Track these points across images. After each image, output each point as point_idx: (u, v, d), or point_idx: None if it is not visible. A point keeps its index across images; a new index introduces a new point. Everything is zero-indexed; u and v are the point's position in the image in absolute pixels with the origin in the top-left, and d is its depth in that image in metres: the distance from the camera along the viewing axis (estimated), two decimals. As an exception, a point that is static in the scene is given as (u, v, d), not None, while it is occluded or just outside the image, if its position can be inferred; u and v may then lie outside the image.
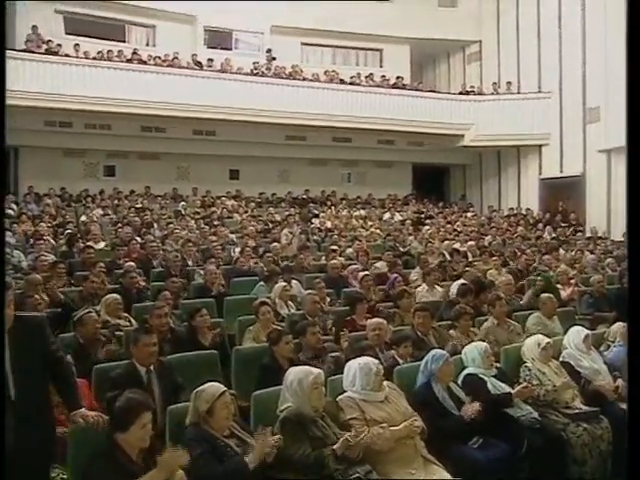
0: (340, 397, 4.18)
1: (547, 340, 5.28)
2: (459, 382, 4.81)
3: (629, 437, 2.94)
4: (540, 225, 16.62)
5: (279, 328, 5.51)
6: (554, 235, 15.39)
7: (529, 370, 5.11)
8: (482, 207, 20.59)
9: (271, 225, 13.89)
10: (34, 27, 15.95)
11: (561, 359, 5.42)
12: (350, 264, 9.43)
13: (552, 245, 13.16)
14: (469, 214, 18.56)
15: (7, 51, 14.55)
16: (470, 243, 12.44)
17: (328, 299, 7.55)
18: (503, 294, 7.12)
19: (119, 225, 12.43)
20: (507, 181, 20.30)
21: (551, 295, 6.98)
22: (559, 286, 8.70)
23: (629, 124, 3.32)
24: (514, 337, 6.19)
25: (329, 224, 14.94)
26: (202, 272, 8.44)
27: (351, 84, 18.86)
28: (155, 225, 12.74)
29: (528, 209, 18.53)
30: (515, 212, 18.65)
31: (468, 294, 7.15)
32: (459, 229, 15.13)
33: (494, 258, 10.29)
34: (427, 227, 14.95)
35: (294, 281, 8.07)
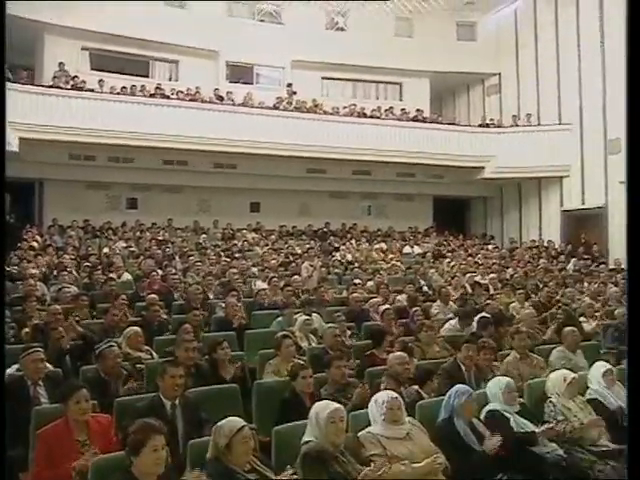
0: (361, 433, 4.15)
1: (572, 375, 5.20)
2: (482, 418, 4.74)
3: (629, 436, 2.88)
4: (562, 257, 16.47)
5: (301, 362, 5.49)
6: (577, 267, 15.24)
7: (554, 406, 5.03)
8: (503, 239, 20.47)
9: (292, 258, 13.89)
10: (61, 64, 16.29)
11: (587, 395, 5.33)
12: (371, 297, 9.40)
13: (575, 277, 13.02)
14: (490, 246, 18.45)
15: (35, 87, 15.00)
16: (492, 276, 12.33)
17: (349, 332, 7.52)
18: (526, 327, 7.04)
19: (141, 257, 12.53)
20: (528, 213, 20.20)
21: (574, 328, 6.89)
22: (583, 319, 8.59)
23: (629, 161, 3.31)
24: (537, 372, 6.10)
25: (350, 257, 14.94)
26: (223, 305, 8.44)
27: (371, 117, 18.98)
28: (176, 257, 12.82)
29: (550, 241, 18.38)
30: (537, 244, 18.49)
31: (488, 327, 7.08)
32: (480, 262, 15.02)
33: (520, 291, 10.18)
34: (448, 260, 14.88)
35: (315, 314, 8.04)
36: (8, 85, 14.09)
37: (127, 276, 10.90)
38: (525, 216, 20.31)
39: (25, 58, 16.65)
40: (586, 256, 16.47)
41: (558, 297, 10.52)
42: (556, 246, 18.03)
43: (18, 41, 15.53)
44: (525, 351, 6.35)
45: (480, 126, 20.03)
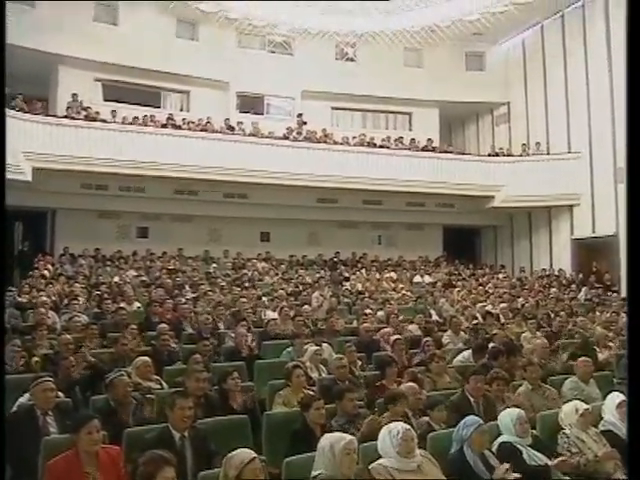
0: (372, 465, 4.10)
1: (585, 406, 5.14)
2: (494, 450, 4.68)
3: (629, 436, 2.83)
4: (573, 286, 16.37)
5: (311, 393, 5.45)
6: (588, 296, 15.13)
7: (567, 437, 4.96)
8: (514, 268, 20.39)
9: (302, 287, 13.88)
10: (74, 95, 16.50)
11: (601, 427, 5.25)
12: (381, 327, 9.35)
13: (587, 306, 12.92)
14: (501, 275, 18.39)
15: (49, 117, 15.18)
16: (502, 305, 12.25)
17: (359, 363, 7.47)
18: (537, 358, 6.99)
19: (152, 287, 12.55)
20: (539, 242, 20.14)
21: (587, 358, 6.82)
22: (595, 349, 8.51)
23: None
24: (550, 403, 6.04)
25: (360, 286, 14.92)
26: (233, 335, 8.41)
27: (381, 147, 19.10)
28: (187, 287, 12.83)
29: (561, 270, 18.30)
30: (547, 273, 18.42)
31: (499, 357, 7.02)
32: (491, 291, 14.96)
33: (531, 321, 10.10)
34: (458, 289, 14.82)
35: (325, 344, 8.00)
36: (22, 115, 14.33)
37: (137, 305, 10.92)
38: (535, 245, 20.25)
39: (39, 89, 16.93)
40: (598, 285, 16.37)
41: (570, 327, 10.45)
42: (567, 275, 17.97)
43: (33, 73, 15.88)
44: (537, 382, 6.29)
45: (490, 155, 20.15)
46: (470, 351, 7.89)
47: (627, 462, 2.87)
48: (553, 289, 15.72)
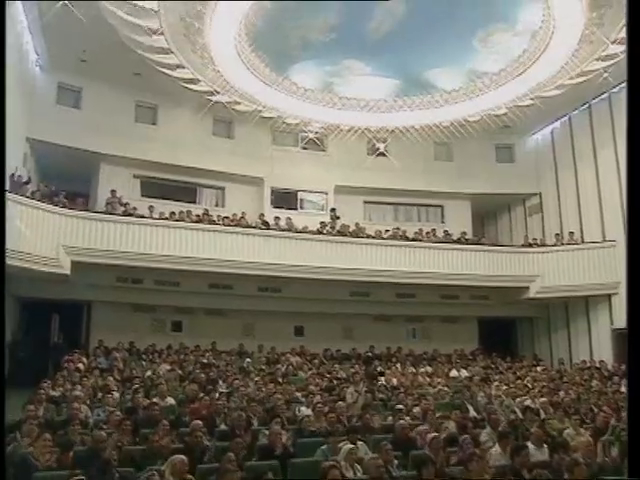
0: None
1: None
2: None
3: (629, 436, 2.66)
4: (616, 378, 15.81)
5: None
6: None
7: None
8: (552, 360, 19.88)
9: (336, 382, 13.68)
10: (113, 191, 17.06)
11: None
12: (417, 424, 9.12)
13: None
14: (539, 368, 17.90)
15: (89, 213, 15.62)
16: (542, 399, 11.88)
17: (396, 462, 7.26)
18: (582, 457, 6.71)
19: (185, 381, 12.49)
20: (577, 332, 19.65)
21: None
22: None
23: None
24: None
25: (395, 381, 14.64)
26: (267, 432, 8.27)
27: (414, 240, 19.19)
28: (220, 382, 12.74)
29: (602, 361, 17.68)
30: (588, 365, 17.85)
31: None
32: (530, 385, 14.55)
33: (574, 417, 9.75)
34: (496, 383, 14.45)
35: (360, 442, 7.81)
36: (63, 211, 14.75)
37: (170, 400, 10.84)
38: (574, 336, 19.77)
39: (81, 185, 17.62)
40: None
41: (614, 422, 10.05)
42: (609, 367, 17.35)
43: (76, 170, 16.58)
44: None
45: (523, 246, 20.08)
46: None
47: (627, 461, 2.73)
48: (595, 382, 15.22)
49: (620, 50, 14.32)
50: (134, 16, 13.02)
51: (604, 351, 18.27)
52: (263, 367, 15.44)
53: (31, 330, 16.09)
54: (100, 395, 10.81)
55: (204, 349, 16.81)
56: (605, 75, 15.51)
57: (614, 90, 17.58)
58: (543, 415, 10.68)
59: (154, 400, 10.10)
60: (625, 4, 3.94)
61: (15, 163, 14.02)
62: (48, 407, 9.61)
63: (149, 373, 13.52)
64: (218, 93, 16.56)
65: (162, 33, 13.76)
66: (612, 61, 15.03)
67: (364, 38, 14.99)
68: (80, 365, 13.57)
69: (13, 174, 13.72)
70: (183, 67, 15.51)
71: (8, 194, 12.02)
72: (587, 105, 19.27)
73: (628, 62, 3.61)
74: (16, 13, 12.17)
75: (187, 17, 13.34)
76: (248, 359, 16.24)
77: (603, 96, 18.43)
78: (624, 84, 16.23)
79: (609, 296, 18.41)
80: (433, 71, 16.69)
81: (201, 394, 10.76)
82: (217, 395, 10.66)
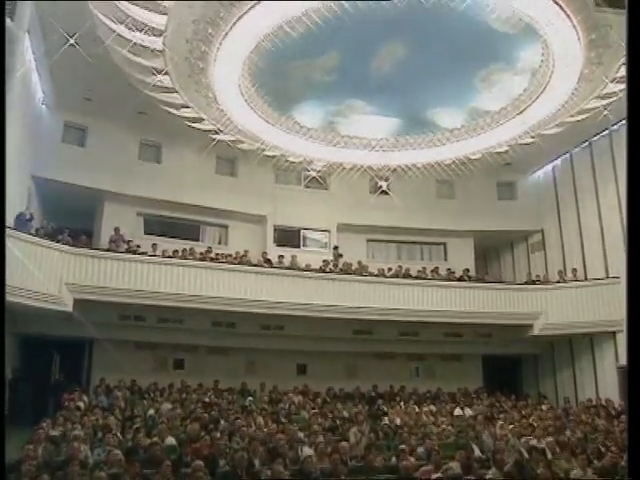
0: None
1: None
2: None
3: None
4: (623, 417, 15.59)
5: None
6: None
7: None
8: (557, 398, 19.64)
9: (339, 422, 13.54)
10: (116, 229, 17.15)
11: None
12: (422, 464, 9.00)
13: None
14: (544, 407, 17.68)
15: (92, 250, 15.62)
16: (548, 439, 11.73)
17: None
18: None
19: (187, 420, 12.35)
20: (582, 370, 19.42)
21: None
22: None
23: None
24: None
25: (398, 420, 14.49)
26: (269, 473, 8.15)
27: (417, 278, 19.18)
28: (222, 421, 12.59)
29: (608, 400, 17.45)
30: (594, 403, 17.61)
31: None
32: (535, 423, 14.36)
33: (581, 456, 9.61)
34: (501, 422, 14.28)
35: (364, 483, 7.72)
36: (67, 248, 14.76)
37: (171, 440, 10.71)
38: (579, 373, 19.55)
39: (85, 222, 17.64)
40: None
41: (623, 462, 9.89)
42: (615, 405, 17.12)
43: (80, 207, 16.64)
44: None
45: (526, 283, 20.05)
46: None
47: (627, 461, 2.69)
48: (601, 420, 15.02)
49: (619, 89, 14.52)
50: (139, 56, 13.23)
51: (610, 389, 18.00)
52: (265, 406, 15.27)
53: (32, 368, 15.97)
54: (100, 434, 10.69)
55: (206, 387, 16.66)
56: (605, 113, 15.64)
57: (614, 127, 17.71)
58: (550, 455, 10.54)
59: (155, 440, 9.98)
60: (623, 45, 4.00)
61: (19, 200, 14.08)
62: (47, 447, 9.49)
63: (151, 412, 13.38)
64: (221, 132, 16.75)
65: (167, 73, 13.97)
66: (611, 99, 15.23)
67: (366, 78, 15.17)
68: (81, 404, 13.46)
69: (21, 213, 13.73)
70: (187, 106, 15.71)
71: (11, 231, 12.04)
72: (588, 142, 19.40)
73: (628, 100, 3.65)
74: (25, 52, 12.31)
75: (191, 57, 13.53)
76: (250, 397, 16.08)
77: (603, 133, 18.57)
78: (624, 121, 16.39)
79: (614, 333, 18.22)
80: (435, 110, 16.89)
81: (202, 433, 10.64)
82: (219, 434, 10.54)
